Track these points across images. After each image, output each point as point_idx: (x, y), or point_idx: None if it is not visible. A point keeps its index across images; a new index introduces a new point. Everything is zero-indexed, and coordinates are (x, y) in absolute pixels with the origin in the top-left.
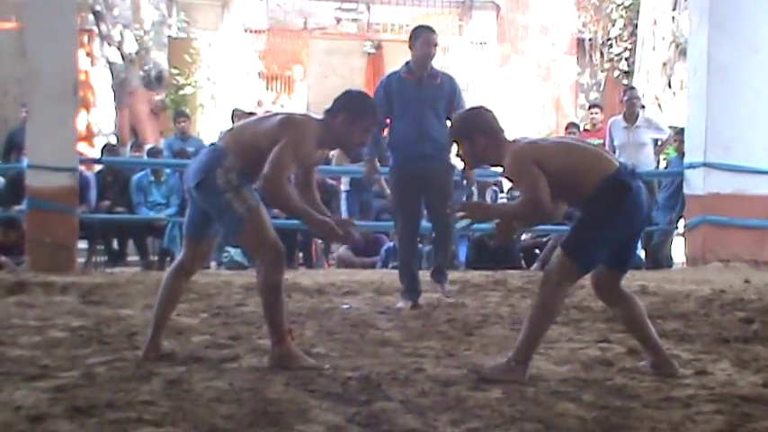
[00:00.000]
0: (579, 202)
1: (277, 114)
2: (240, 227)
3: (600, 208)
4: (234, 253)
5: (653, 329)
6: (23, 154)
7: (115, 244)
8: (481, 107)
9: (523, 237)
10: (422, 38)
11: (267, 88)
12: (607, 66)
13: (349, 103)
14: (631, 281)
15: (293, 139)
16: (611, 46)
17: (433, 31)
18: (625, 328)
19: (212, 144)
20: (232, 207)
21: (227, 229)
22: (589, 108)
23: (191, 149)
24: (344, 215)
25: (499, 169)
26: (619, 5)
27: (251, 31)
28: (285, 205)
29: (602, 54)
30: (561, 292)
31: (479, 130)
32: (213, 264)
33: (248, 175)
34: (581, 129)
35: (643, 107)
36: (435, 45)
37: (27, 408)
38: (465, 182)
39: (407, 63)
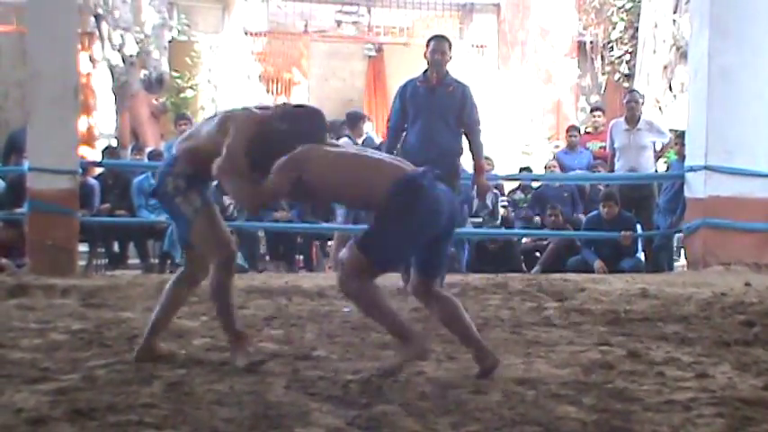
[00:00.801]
0: (380, 206)
1: (217, 115)
2: (189, 229)
3: (392, 208)
4: None
5: (470, 324)
6: (24, 156)
7: (116, 247)
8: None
9: (524, 240)
10: (431, 46)
11: (267, 91)
12: (608, 69)
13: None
14: (632, 284)
15: (233, 131)
16: (611, 49)
17: (442, 39)
18: (443, 325)
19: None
20: (181, 210)
21: (180, 232)
22: (591, 111)
23: None
24: (340, 220)
25: (497, 171)
26: (619, 8)
27: (251, 34)
28: (232, 191)
29: (602, 57)
30: (367, 286)
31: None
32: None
33: (202, 178)
34: (582, 132)
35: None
36: (442, 53)
37: (28, 410)
38: (477, 190)
39: (425, 71)
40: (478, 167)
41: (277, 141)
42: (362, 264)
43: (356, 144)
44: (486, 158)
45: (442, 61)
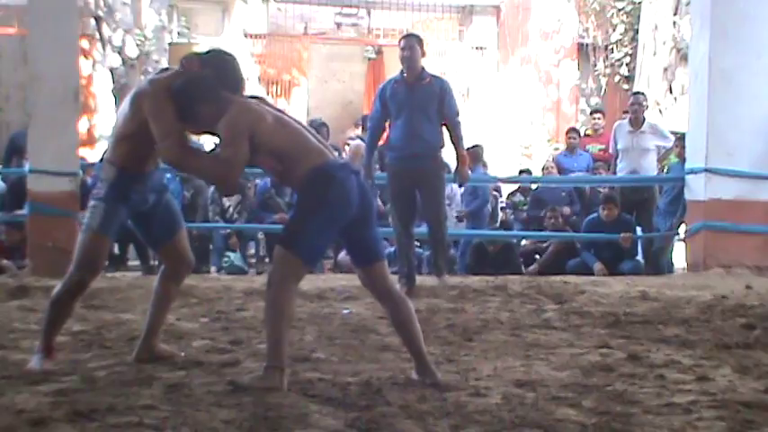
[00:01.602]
0: (294, 187)
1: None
2: (81, 232)
3: (309, 198)
4: (234, 258)
5: (418, 334)
6: (25, 158)
7: (116, 249)
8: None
9: (523, 242)
10: (400, 45)
11: (267, 93)
12: (608, 71)
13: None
14: (632, 286)
15: (152, 109)
16: (611, 51)
17: (409, 36)
18: (393, 326)
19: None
20: (87, 213)
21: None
22: (591, 113)
23: None
24: None
25: (496, 173)
26: (620, 10)
27: (251, 36)
28: (198, 171)
29: (603, 59)
30: (288, 290)
31: (200, 100)
32: (213, 269)
33: (132, 174)
34: (582, 134)
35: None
36: (410, 48)
37: (29, 411)
38: (459, 180)
39: (402, 71)
40: (461, 157)
41: (202, 89)
42: (288, 260)
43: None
44: (476, 146)
45: (412, 57)
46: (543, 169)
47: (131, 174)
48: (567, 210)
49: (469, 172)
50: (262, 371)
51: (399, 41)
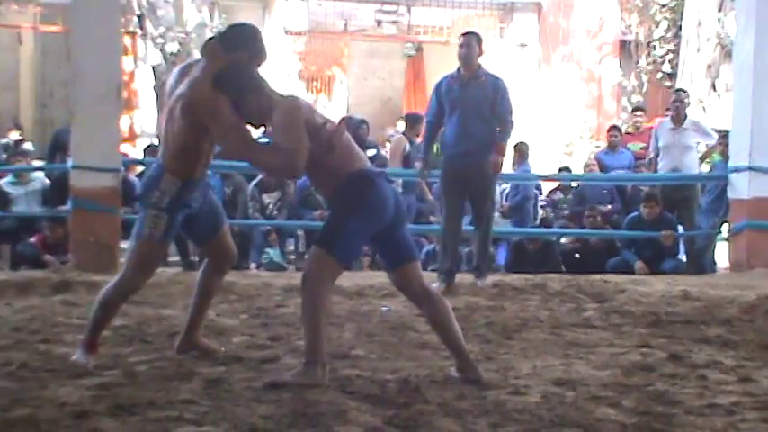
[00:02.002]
0: (328, 191)
1: (174, 109)
2: (138, 238)
3: (347, 200)
4: (273, 254)
5: (457, 332)
6: (68, 155)
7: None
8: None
9: (563, 240)
10: (459, 42)
11: (307, 90)
12: (650, 68)
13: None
14: (673, 285)
15: (208, 112)
16: (654, 48)
17: (469, 34)
18: (430, 326)
19: (158, 160)
20: (145, 222)
21: (136, 230)
22: (632, 111)
23: None
24: None
25: (537, 170)
26: (663, 7)
27: (291, 33)
28: (253, 158)
29: (646, 56)
30: (326, 287)
31: (244, 90)
32: (253, 265)
33: (193, 181)
34: (623, 131)
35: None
36: (468, 46)
37: (71, 404)
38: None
39: (459, 67)
40: (497, 147)
41: (243, 79)
42: (325, 260)
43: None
44: (522, 143)
45: (469, 54)
46: (585, 167)
47: (191, 183)
48: (605, 208)
49: (501, 162)
50: (301, 367)
51: (459, 38)
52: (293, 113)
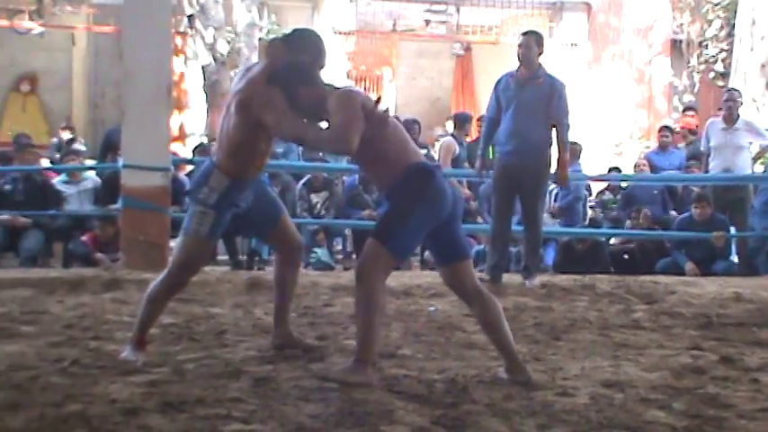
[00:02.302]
0: (384, 184)
1: (230, 105)
2: (185, 234)
3: (406, 194)
4: (321, 254)
5: (507, 333)
6: (119, 154)
7: None
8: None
9: (612, 241)
10: (518, 41)
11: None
12: (702, 67)
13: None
14: (725, 287)
15: (260, 104)
16: (706, 47)
17: (529, 33)
18: (480, 325)
19: (210, 157)
20: (193, 218)
21: (183, 225)
22: (684, 111)
23: (279, 150)
24: None
25: (586, 170)
26: (715, 5)
27: (340, 33)
28: (307, 137)
29: (697, 55)
30: (381, 282)
31: (300, 84)
32: (301, 264)
33: (243, 180)
34: (674, 131)
35: None
36: (526, 47)
37: (121, 401)
38: (558, 182)
39: (519, 66)
40: (562, 160)
41: (300, 74)
42: (381, 254)
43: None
44: (574, 143)
45: (527, 55)
46: (635, 167)
47: (241, 182)
48: (648, 212)
49: (566, 176)
50: (350, 363)
51: (519, 37)
52: (348, 95)
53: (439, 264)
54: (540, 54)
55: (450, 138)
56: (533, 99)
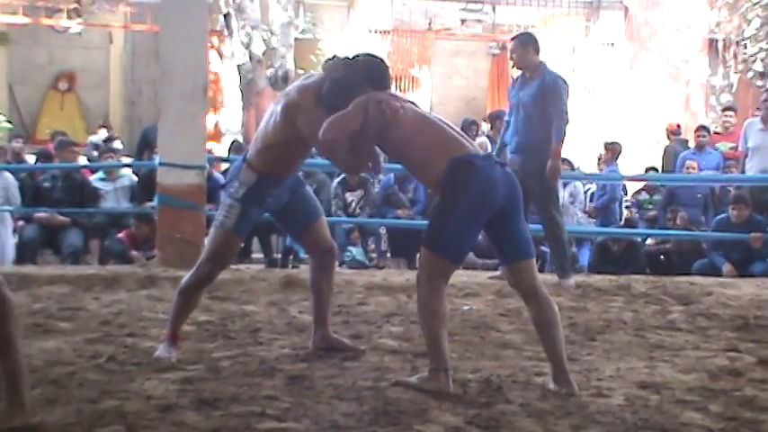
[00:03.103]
0: (431, 184)
1: (277, 105)
2: (213, 227)
3: (448, 192)
4: (356, 252)
5: (559, 340)
6: (155, 152)
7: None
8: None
9: (648, 241)
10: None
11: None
12: (740, 67)
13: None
14: (763, 288)
15: (304, 120)
16: (745, 46)
17: (515, 39)
18: (534, 326)
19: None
20: (222, 210)
21: (215, 218)
22: (723, 111)
23: (313, 150)
24: None
25: (623, 170)
26: (755, 4)
27: (376, 32)
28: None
29: (735, 55)
30: (436, 289)
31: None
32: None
33: (272, 179)
34: (711, 131)
35: None
36: (513, 52)
37: (157, 398)
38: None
39: None
40: (552, 151)
41: (350, 89)
42: (431, 259)
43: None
44: (565, 161)
45: (519, 60)
46: (685, 168)
47: (271, 179)
48: (684, 214)
49: (557, 167)
50: (427, 373)
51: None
52: (357, 103)
53: (499, 260)
54: (537, 52)
55: (485, 139)
56: (529, 98)
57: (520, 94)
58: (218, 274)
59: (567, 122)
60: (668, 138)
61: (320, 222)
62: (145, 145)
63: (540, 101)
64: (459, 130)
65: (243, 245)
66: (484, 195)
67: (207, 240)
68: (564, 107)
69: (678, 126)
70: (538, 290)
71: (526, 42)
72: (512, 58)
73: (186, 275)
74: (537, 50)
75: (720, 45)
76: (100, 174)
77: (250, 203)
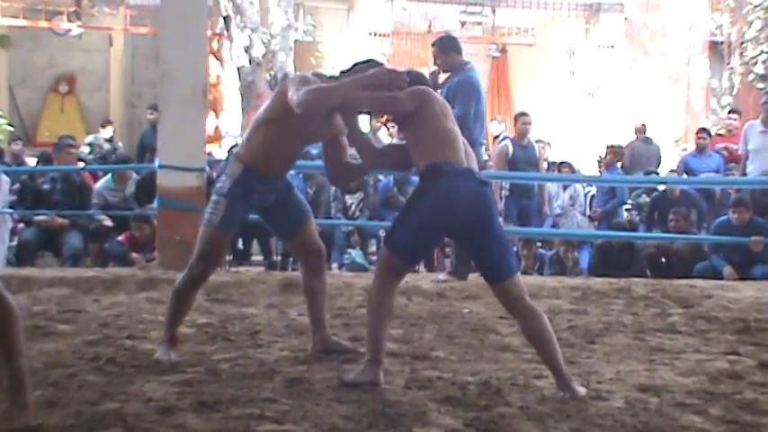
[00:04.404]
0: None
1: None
2: (201, 225)
3: (415, 193)
4: (355, 255)
5: (552, 349)
6: (155, 154)
7: (240, 244)
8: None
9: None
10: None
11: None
12: (741, 69)
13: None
14: (764, 291)
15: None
16: (746, 48)
17: (433, 45)
18: (527, 341)
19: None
20: (208, 208)
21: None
22: (729, 113)
23: (314, 151)
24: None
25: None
26: (756, 6)
27: (376, 35)
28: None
29: (741, 54)
30: (385, 283)
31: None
32: (335, 265)
33: (257, 172)
34: (712, 134)
35: None
36: (435, 57)
37: (156, 400)
38: None
39: None
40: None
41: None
42: (389, 259)
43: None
44: (566, 164)
45: (442, 64)
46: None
47: (257, 174)
48: (684, 210)
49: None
50: (365, 365)
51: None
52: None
53: (483, 276)
54: (459, 53)
55: (507, 142)
56: (445, 98)
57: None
58: (211, 273)
59: (465, 118)
60: (636, 136)
61: (310, 225)
62: (146, 148)
63: (452, 100)
64: (461, 138)
65: (243, 247)
66: (440, 204)
67: (198, 239)
68: (466, 106)
69: (644, 125)
70: (520, 306)
71: (442, 46)
72: (435, 64)
73: (179, 276)
74: (459, 51)
75: (722, 48)
76: (108, 182)
77: (236, 198)
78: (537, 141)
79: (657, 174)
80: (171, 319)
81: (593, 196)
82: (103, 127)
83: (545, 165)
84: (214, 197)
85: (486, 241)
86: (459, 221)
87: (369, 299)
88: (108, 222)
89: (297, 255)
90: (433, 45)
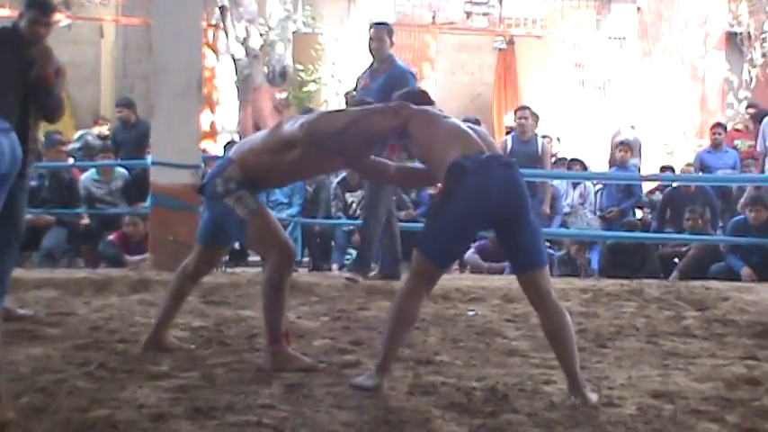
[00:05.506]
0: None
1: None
2: (244, 230)
3: (442, 195)
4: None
5: (569, 349)
6: (148, 150)
7: (236, 244)
8: None
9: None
10: (370, 33)
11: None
12: (760, 62)
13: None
14: None
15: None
16: (764, 41)
17: (377, 25)
18: (546, 338)
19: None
20: (234, 212)
21: (234, 233)
22: (747, 107)
23: None
24: None
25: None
26: None
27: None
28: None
29: (755, 49)
30: (416, 290)
31: None
32: (335, 266)
33: (253, 184)
34: (728, 129)
35: None
36: (373, 39)
37: (149, 407)
38: None
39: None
40: None
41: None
42: (422, 265)
43: None
44: (577, 161)
45: (379, 48)
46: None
47: (256, 186)
48: (699, 209)
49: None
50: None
51: (369, 29)
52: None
53: (512, 269)
54: (392, 44)
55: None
56: (375, 91)
57: (370, 84)
58: (292, 251)
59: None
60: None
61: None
62: (117, 145)
63: (385, 95)
64: (472, 126)
65: (240, 248)
66: (470, 204)
67: (253, 242)
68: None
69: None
70: (545, 300)
71: (390, 32)
72: (370, 47)
73: (265, 277)
74: (392, 42)
75: (740, 40)
76: (93, 174)
77: (246, 188)
78: (543, 137)
79: (673, 171)
80: (272, 316)
81: (600, 191)
82: (97, 124)
83: (552, 161)
84: (232, 197)
85: (519, 227)
86: (494, 214)
87: (393, 303)
88: (86, 220)
89: (200, 260)
90: (378, 25)
